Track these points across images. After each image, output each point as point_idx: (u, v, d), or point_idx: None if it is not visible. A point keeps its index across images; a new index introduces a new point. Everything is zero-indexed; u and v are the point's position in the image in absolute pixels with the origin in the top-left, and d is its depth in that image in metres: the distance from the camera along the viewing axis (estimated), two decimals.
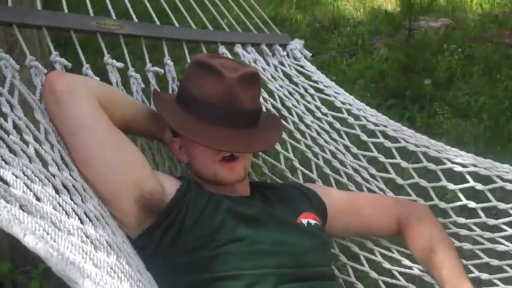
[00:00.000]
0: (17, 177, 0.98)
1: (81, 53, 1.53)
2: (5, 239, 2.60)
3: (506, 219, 1.65)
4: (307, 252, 1.44)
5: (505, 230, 1.65)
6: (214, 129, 1.42)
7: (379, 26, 5.03)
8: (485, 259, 1.65)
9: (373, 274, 1.70)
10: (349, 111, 1.91)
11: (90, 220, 1.13)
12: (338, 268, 1.69)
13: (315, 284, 1.40)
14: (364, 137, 1.87)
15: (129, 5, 1.74)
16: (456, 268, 1.56)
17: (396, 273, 1.69)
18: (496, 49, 4.66)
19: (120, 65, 1.59)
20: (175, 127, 1.45)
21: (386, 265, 1.72)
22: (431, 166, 1.76)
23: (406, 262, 1.70)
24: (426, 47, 4.23)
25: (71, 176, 1.22)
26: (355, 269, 1.73)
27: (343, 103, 1.93)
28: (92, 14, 1.62)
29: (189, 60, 1.78)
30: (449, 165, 1.74)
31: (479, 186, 1.70)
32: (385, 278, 1.69)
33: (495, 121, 3.89)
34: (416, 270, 1.67)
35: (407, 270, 1.69)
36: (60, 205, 1.04)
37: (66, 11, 1.57)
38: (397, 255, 1.72)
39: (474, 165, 1.72)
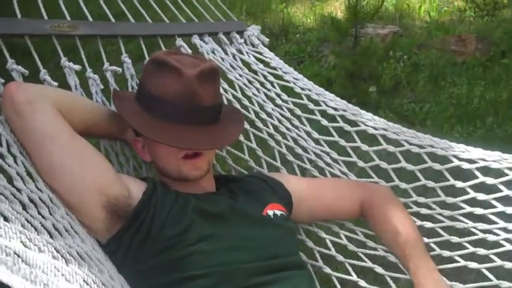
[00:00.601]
0: None
1: (37, 59, 1.51)
2: None
3: (464, 197, 1.71)
4: (275, 244, 1.47)
5: (463, 208, 1.71)
6: (175, 127, 1.42)
7: (328, 33, 5.01)
8: (446, 237, 1.70)
9: (340, 257, 1.74)
10: (308, 97, 1.93)
11: (59, 232, 1.13)
12: (306, 253, 1.72)
13: (285, 275, 1.42)
14: (324, 122, 1.89)
15: (83, 6, 1.72)
16: (418, 247, 1.61)
17: (362, 255, 1.73)
18: (442, 56, 4.69)
19: (77, 67, 1.58)
20: (136, 127, 1.45)
21: (352, 247, 1.75)
22: (391, 148, 1.81)
23: (371, 243, 1.74)
24: (372, 54, 4.24)
25: (36, 187, 1.22)
26: (322, 253, 1.76)
27: (303, 89, 1.96)
28: (46, 18, 1.60)
29: (147, 57, 1.78)
30: (407, 146, 1.79)
31: (437, 166, 1.75)
32: (351, 261, 1.73)
33: (439, 128, 3.94)
34: (381, 251, 1.71)
35: (372, 252, 1.73)
36: (28, 221, 1.04)
37: (19, 16, 1.54)
38: (362, 237, 1.76)
39: (431, 146, 1.77)
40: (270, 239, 1.48)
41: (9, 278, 0.72)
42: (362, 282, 1.68)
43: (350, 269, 1.72)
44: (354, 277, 1.70)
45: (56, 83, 1.48)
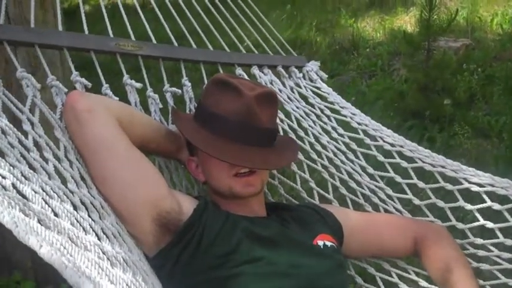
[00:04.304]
0: (35, 192, 1.00)
1: (100, 74, 1.56)
2: (28, 259, 2.64)
3: None
4: (323, 275, 1.44)
5: None
6: (230, 144, 1.43)
7: (398, 46, 5.03)
8: (503, 279, 1.64)
9: None
10: (365, 132, 1.92)
11: (107, 237, 1.14)
12: None
13: None
14: (380, 158, 1.87)
15: (148, 29, 1.78)
16: (470, 286, 1.55)
17: None
18: None
19: (138, 85, 1.62)
20: (193, 141, 1.46)
21: (403, 286, 1.71)
22: (448, 186, 1.76)
23: (423, 283, 1.69)
24: (445, 67, 4.22)
25: (89, 193, 1.24)
26: None
27: (359, 124, 1.94)
28: (111, 36, 1.66)
29: (206, 82, 1.81)
30: (466, 185, 1.73)
31: (496, 206, 1.69)
32: None
33: None
34: None
35: None
36: (77, 221, 1.05)
37: (86, 32, 1.60)
38: (414, 276, 1.72)
39: (491, 185, 1.71)
40: (320, 270, 1.44)
41: (52, 257, 0.73)
42: None
43: None
44: None
45: (116, 98, 1.52)
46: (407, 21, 5.69)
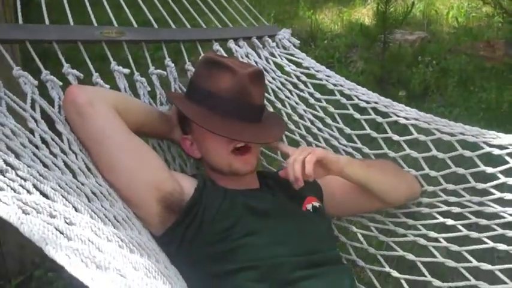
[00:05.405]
0: (55, 190, 1.04)
1: (89, 63, 1.61)
2: None
3: (494, 183, 1.73)
4: (317, 238, 1.55)
5: (493, 194, 1.73)
6: (227, 121, 1.51)
7: (356, 39, 5.04)
8: (474, 219, 1.73)
9: (372, 250, 1.80)
10: (341, 92, 2.01)
11: (120, 224, 1.20)
12: (340, 248, 1.75)
13: (329, 269, 1.49)
14: (357, 115, 1.96)
15: (129, 13, 1.83)
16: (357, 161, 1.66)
17: (393, 244, 1.78)
18: (471, 61, 4.70)
19: (126, 70, 1.66)
20: (193, 118, 1.51)
21: (383, 238, 1.81)
22: (421, 137, 1.86)
23: (400, 230, 1.79)
24: (401, 59, 4.30)
25: (96, 182, 1.31)
26: (354, 247, 1.82)
27: (335, 85, 2.03)
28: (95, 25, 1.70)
29: (187, 60, 1.88)
30: (438, 135, 1.83)
31: (467, 153, 1.79)
32: (383, 252, 1.79)
33: None
34: (410, 236, 1.76)
35: (402, 239, 1.78)
36: (95, 213, 1.10)
37: (71, 23, 1.64)
38: (391, 226, 1.82)
39: (462, 134, 1.81)
40: (313, 234, 1.55)
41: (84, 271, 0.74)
42: (394, 273, 1.73)
43: (382, 260, 1.78)
44: (386, 268, 1.75)
45: (108, 86, 1.58)
46: (365, 13, 5.71)
